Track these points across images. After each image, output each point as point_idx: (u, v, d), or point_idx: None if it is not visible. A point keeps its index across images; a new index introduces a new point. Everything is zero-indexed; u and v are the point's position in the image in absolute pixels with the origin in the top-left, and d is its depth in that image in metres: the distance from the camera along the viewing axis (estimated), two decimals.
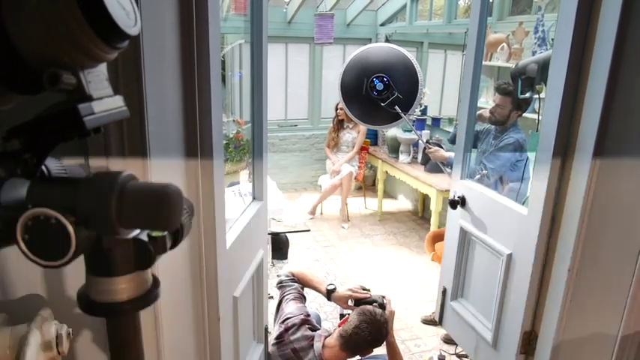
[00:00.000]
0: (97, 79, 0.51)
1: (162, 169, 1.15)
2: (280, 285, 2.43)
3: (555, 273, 1.86)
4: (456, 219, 2.38)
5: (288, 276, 2.48)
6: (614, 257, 1.73)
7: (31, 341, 0.90)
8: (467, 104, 2.31)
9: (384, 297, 2.33)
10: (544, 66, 2.46)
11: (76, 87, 0.48)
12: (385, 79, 3.14)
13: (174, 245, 0.57)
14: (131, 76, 1.00)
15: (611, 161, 1.67)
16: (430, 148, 3.49)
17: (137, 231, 0.53)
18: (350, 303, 2.34)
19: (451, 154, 3.41)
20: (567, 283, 1.80)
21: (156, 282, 0.58)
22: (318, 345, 2.13)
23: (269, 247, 4.11)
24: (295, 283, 2.44)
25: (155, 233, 0.53)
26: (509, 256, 2.03)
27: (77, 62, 0.48)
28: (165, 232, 0.54)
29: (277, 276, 2.50)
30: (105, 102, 0.51)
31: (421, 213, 5.66)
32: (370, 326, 2.08)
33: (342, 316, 2.31)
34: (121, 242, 0.51)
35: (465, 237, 2.35)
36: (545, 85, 2.40)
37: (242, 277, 1.77)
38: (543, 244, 1.88)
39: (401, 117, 3.28)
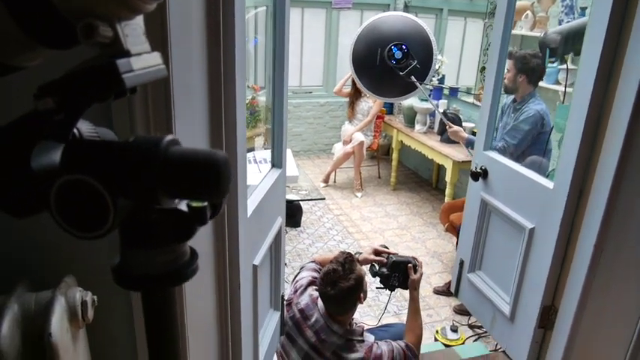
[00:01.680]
0: (135, 32, 0.46)
1: (186, 135, 1.11)
2: (300, 269, 2.41)
3: (580, 249, 1.82)
4: (477, 191, 2.33)
5: (309, 261, 2.46)
6: (639, 237, 1.69)
7: (57, 307, 0.88)
8: (493, 73, 2.23)
9: (415, 258, 2.31)
10: (574, 35, 2.36)
11: (112, 40, 0.43)
12: (404, 47, 3.05)
13: (213, 216, 0.53)
14: (157, 41, 0.95)
15: None
16: (451, 127, 3.41)
17: (176, 201, 0.49)
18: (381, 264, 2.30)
19: (470, 136, 3.35)
20: (591, 259, 1.76)
21: (194, 254, 0.54)
22: (321, 302, 2.10)
23: None
24: (313, 263, 2.41)
25: (195, 204, 0.49)
26: (532, 230, 1.99)
27: (114, 13, 0.43)
28: (205, 203, 0.50)
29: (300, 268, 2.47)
30: (143, 59, 0.46)
31: (435, 184, 5.61)
32: (331, 265, 2.02)
33: (372, 266, 2.28)
34: (161, 213, 0.48)
35: (485, 209, 2.31)
36: (575, 55, 2.31)
37: (261, 246, 1.76)
38: (569, 218, 1.84)
39: (415, 88, 3.21)
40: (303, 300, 2.16)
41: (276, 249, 1.96)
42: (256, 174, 3.16)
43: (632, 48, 1.59)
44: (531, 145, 2.88)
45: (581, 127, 1.73)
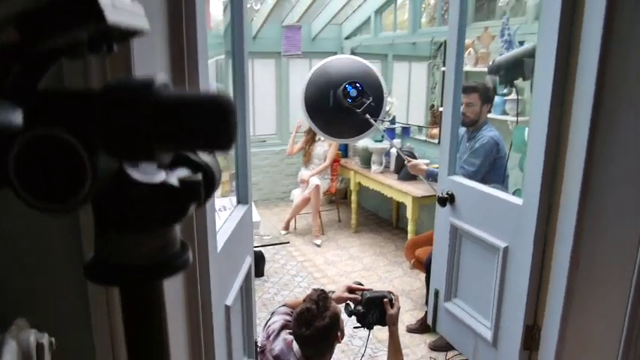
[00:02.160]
0: None
1: None
2: (271, 315, 2.29)
3: (556, 261, 1.81)
4: (446, 217, 2.31)
5: (280, 305, 2.35)
6: (616, 241, 1.69)
7: (6, 353, 0.75)
8: (451, 98, 2.26)
9: (391, 292, 2.23)
10: (519, 61, 2.46)
11: None
12: (358, 85, 3.10)
13: (207, 196, 0.45)
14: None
15: (606, 144, 1.64)
16: (410, 161, 3.45)
17: (162, 175, 0.41)
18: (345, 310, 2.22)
19: (430, 168, 3.39)
20: (569, 270, 1.74)
21: (184, 245, 0.45)
22: (297, 346, 1.98)
23: None
24: (285, 307, 2.30)
25: (187, 177, 0.41)
26: (506, 249, 1.97)
27: None
28: (200, 177, 0.42)
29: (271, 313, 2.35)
30: (122, 1, 0.39)
31: (395, 223, 5.61)
32: (305, 304, 1.92)
33: (347, 305, 2.17)
34: (146, 188, 0.39)
35: (455, 234, 2.28)
36: (524, 79, 2.40)
37: (232, 286, 1.64)
38: (542, 232, 1.83)
39: (369, 127, 3.24)
40: (277, 345, 2.03)
41: (247, 290, 1.85)
42: (216, 221, 3.04)
43: (583, 57, 1.65)
44: (489, 171, 2.93)
45: (544, 139, 1.76)
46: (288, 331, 2.11)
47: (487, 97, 2.97)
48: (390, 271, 4.54)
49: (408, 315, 3.79)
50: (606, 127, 1.62)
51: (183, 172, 0.42)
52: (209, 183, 0.44)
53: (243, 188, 1.87)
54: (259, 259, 4.42)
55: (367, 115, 3.14)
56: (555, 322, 1.81)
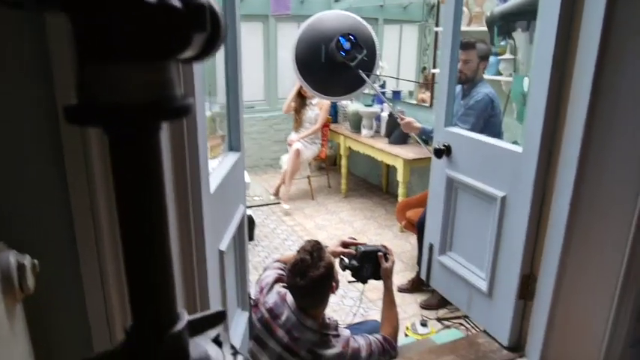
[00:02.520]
0: None
1: None
2: (264, 269, 2.26)
3: (554, 211, 1.79)
4: (442, 169, 2.27)
5: (272, 261, 2.31)
6: (615, 189, 1.67)
7: None
8: (448, 51, 2.20)
9: (385, 246, 2.20)
10: (518, 11, 2.40)
11: None
12: (352, 38, 3.00)
13: (213, 34, 0.38)
14: None
15: (610, 91, 1.60)
16: (403, 119, 3.36)
17: None
18: (340, 265, 2.19)
19: (424, 125, 3.32)
20: (568, 219, 1.73)
21: (186, 94, 0.39)
22: (291, 298, 1.95)
23: None
24: (277, 262, 2.27)
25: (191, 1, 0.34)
26: (504, 198, 1.94)
27: None
28: (205, 1, 0.35)
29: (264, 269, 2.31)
30: None
31: (385, 188, 5.59)
32: (299, 254, 1.90)
33: (341, 260, 2.15)
34: (142, 4, 0.32)
35: (451, 187, 2.25)
36: (522, 30, 2.34)
37: (226, 231, 1.59)
38: (541, 181, 1.80)
39: (362, 83, 3.16)
40: (271, 298, 1.99)
41: (240, 239, 1.80)
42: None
43: (589, 5, 1.59)
44: (483, 128, 2.89)
45: (546, 86, 1.71)
46: (281, 284, 2.07)
47: (484, 54, 2.90)
48: (381, 234, 4.53)
49: (399, 276, 3.79)
50: (611, 73, 1.58)
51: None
52: (214, 19, 0.38)
53: (235, 134, 1.81)
54: (250, 223, 4.38)
55: (360, 71, 3.05)
56: (552, 272, 1.80)
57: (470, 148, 2.13)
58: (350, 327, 2.16)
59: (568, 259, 1.77)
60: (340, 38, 2.93)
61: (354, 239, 2.27)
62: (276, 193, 5.38)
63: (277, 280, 2.07)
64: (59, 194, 0.85)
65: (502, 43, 2.77)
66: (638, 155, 1.58)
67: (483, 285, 2.08)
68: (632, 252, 1.67)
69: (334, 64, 3.05)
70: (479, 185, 2.05)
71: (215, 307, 1.41)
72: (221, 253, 1.48)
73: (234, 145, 1.80)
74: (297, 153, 5.07)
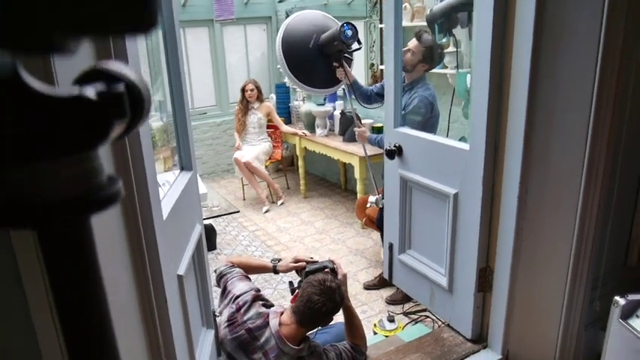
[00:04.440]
0: None
1: None
2: (221, 275, 2.24)
3: (504, 204, 1.85)
4: (394, 170, 2.31)
5: (226, 265, 2.30)
6: (560, 179, 1.74)
7: None
8: (392, 54, 2.23)
9: (332, 261, 2.21)
10: (455, 9, 2.46)
11: None
12: (354, 28, 3.01)
13: (131, 125, 0.37)
14: None
15: (548, 86, 1.67)
16: (360, 126, 3.42)
17: (74, 90, 0.33)
18: (298, 275, 2.21)
19: (370, 135, 3.40)
20: (517, 211, 1.79)
21: (112, 178, 0.37)
22: (274, 322, 1.97)
23: None
24: (236, 268, 2.26)
25: (106, 89, 0.34)
26: (456, 195, 1.99)
27: None
28: (122, 89, 0.35)
29: (214, 271, 2.30)
30: None
31: (344, 185, 5.63)
32: (322, 296, 1.95)
33: (290, 284, 2.16)
34: (56, 102, 0.32)
35: (405, 186, 2.29)
36: (462, 27, 2.40)
37: (183, 254, 1.57)
38: (489, 175, 1.86)
39: (338, 83, 3.21)
40: (251, 319, 1.99)
41: (199, 259, 1.78)
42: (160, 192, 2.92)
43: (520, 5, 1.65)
44: (423, 128, 2.95)
45: (487, 84, 1.77)
46: (261, 302, 2.07)
47: (430, 56, 2.96)
48: (343, 232, 4.57)
49: (363, 273, 3.84)
50: (546, 63, 1.64)
51: (100, 87, 0.35)
52: (135, 100, 0.37)
53: (186, 153, 1.78)
54: (210, 232, 4.33)
55: (343, 60, 3.07)
56: (506, 264, 1.86)
57: (420, 148, 2.17)
58: (318, 332, 2.17)
59: (521, 251, 1.84)
60: (345, 25, 2.93)
61: (310, 258, 2.29)
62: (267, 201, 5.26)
63: (255, 299, 2.07)
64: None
65: (444, 40, 2.82)
66: (580, 144, 1.65)
67: (443, 281, 2.13)
68: (579, 238, 1.75)
69: (319, 54, 3.07)
70: (431, 184, 2.10)
71: (179, 335, 1.40)
72: (180, 277, 1.46)
73: (185, 164, 1.77)
74: (248, 165, 5.04)
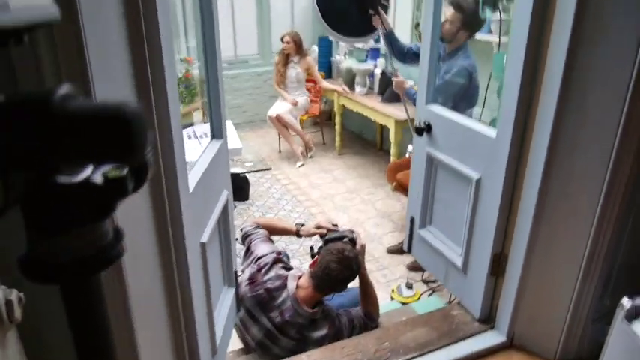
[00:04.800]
0: None
1: None
2: (246, 235, 2.36)
3: (525, 195, 1.85)
4: (422, 146, 2.32)
5: (252, 226, 2.41)
6: (583, 173, 1.73)
7: None
8: (430, 21, 2.19)
9: (352, 231, 2.30)
10: None
11: None
12: None
13: (137, 187, 0.45)
14: None
15: (580, 81, 1.63)
16: (397, 76, 3.33)
17: (87, 172, 0.41)
18: (318, 240, 2.30)
19: (410, 88, 3.30)
20: (537, 204, 1.80)
21: (118, 234, 0.46)
22: (291, 285, 2.09)
23: None
24: (260, 229, 2.38)
25: (112, 173, 0.41)
26: (479, 180, 2.01)
27: None
28: (125, 172, 0.42)
29: (240, 230, 2.42)
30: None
31: (380, 145, 5.63)
32: (340, 264, 2.05)
33: (311, 248, 2.26)
34: (67, 187, 0.40)
35: (432, 164, 2.31)
36: (508, 1, 2.31)
37: (208, 222, 1.67)
38: (513, 165, 1.86)
39: (369, 33, 3.14)
40: (271, 280, 2.12)
41: (224, 224, 1.89)
42: (197, 149, 3.03)
43: None
44: (461, 99, 2.90)
45: (519, 72, 1.73)
46: (281, 265, 2.19)
47: (470, 23, 2.85)
48: (373, 194, 4.63)
49: (388, 236, 3.93)
50: (583, 57, 1.60)
51: (107, 170, 0.42)
52: (139, 173, 0.44)
53: (217, 122, 1.85)
54: (244, 184, 4.48)
55: (379, 8, 3.01)
56: (521, 252, 1.89)
57: (449, 129, 2.17)
58: (334, 295, 2.29)
59: (536, 241, 1.86)
60: None
61: (334, 225, 2.37)
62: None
63: (276, 261, 2.19)
64: None
65: (487, 15, 2.72)
66: (606, 140, 1.63)
67: (459, 260, 2.18)
68: (596, 235, 1.75)
69: (351, 6, 3.01)
70: (456, 166, 2.11)
71: (198, 296, 1.52)
72: (203, 245, 1.57)
73: (216, 133, 1.85)
74: (279, 118, 5.10)
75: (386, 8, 3.15)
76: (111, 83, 1.01)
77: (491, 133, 1.94)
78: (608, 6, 1.52)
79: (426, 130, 2.26)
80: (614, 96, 1.58)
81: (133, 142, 0.35)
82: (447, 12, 2.88)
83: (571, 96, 1.65)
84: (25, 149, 0.34)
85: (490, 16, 3.18)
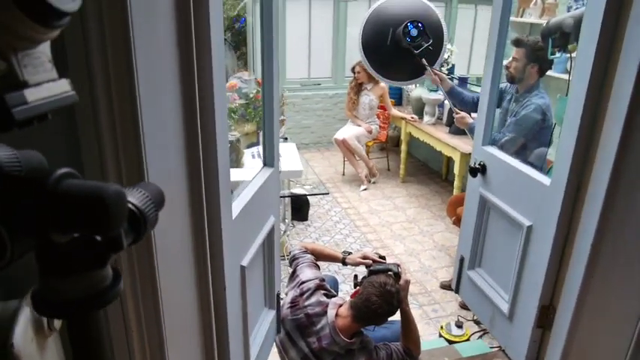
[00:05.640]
0: (37, 62, 0.45)
1: (156, 145, 1.10)
2: (293, 258, 2.42)
3: (577, 248, 1.78)
4: (476, 187, 2.29)
5: (300, 249, 2.47)
6: (638, 234, 1.64)
7: (21, 318, 0.89)
8: (491, 63, 2.18)
9: (398, 265, 2.29)
10: (579, 23, 2.29)
11: (7, 72, 0.42)
12: (420, 25, 2.97)
13: (135, 240, 0.52)
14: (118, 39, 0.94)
15: None
16: (458, 113, 3.32)
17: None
18: (363, 271, 2.32)
19: (474, 122, 3.26)
20: (589, 259, 1.72)
21: (116, 277, 0.53)
22: (331, 313, 2.12)
23: (288, 209, 4.11)
24: (308, 254, 2.43)
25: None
26: (530, 227, 1.95)
27: (7, 45, 0.42)
28: (121, 231, 0.49)
29: (289, 253, 2.48)
30: (45, 88, 0.45)
31: (445, 176, 5.55)
32: (380, 299, 2.04)
33: (355, 277, 2.28)
34: (72, 241, 0.47)
35: (484, 206, 2.27)
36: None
37: (251, 246, 1.75)
38: (566, 216, 1.80)
39: (422, 73, 3.14)
40: (312, 306, 2.16)
41: (268, 248, 1.96)
42: (258, 169, 3.16)
43: (630, 35, 1.53)
44: (533, 139, 2.81)
45: (578, 120, 1.68)
46: (323, 292, 2.23)
47: (535, 56, 2.77)
48: (432, 225, 4.56)
49: (443, 271, 3.85)
50: None
51: None
52: (139, 223, 0.51)
53: (270, 151, 1.94)
54: (304, 204, 4.58)
55: (423, 60, 3.03)
56: (570, 307, 1.80)
57: (503, 171, 2.13)
58: (377, 326, 2.29)
59: (586, 298, 1.77)
60: (408, 24, 2.90)
61: (382, 257, 2.37)
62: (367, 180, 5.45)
63: (318, 287, 2.23)
64: None
65: (557, 55, 2.64)
66: None
67: (505, 307, 2.11)
68: None
69: (399, 49, 3.03)
70: (508, 210, 2.07)
71: (234, 317, 1.59)
72: (242, 268, 1.65)
73: (268, 160, 1.93)
74: (345, 143, 5.16)
75: (437, 55, 3.11)
76: (160, 128, 1.11)
77: (546, 180, 1.88)
78: None
79: (480, 171, 2.23)
80: None
81: (108, 220, 0.42)
82: (514, 52, 2.84)
83: (631, 148, 1.57)
84: (25, 218, 0.41)
85: (562, 56, 3.08)
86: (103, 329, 0.56)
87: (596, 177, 1.68)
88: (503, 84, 3.00)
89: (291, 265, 2.44)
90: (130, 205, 0.51)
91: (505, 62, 2.77)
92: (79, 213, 0.42)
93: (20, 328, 0.88)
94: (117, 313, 1.12)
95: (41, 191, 0.41)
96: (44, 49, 0.47)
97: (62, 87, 0.47)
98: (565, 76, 3.47)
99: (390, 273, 2.21)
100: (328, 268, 3.53)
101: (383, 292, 2.07)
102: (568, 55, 2.47)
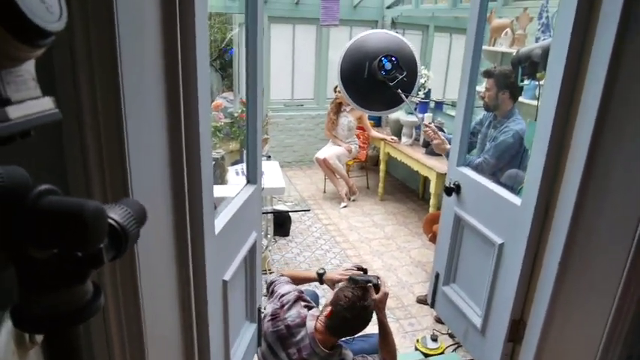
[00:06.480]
0: (20, 79, 0.47)
1: (142, 160, 1.15)
2: (270, 283, 2.45)
3: (546, 264, 1.86)
4: (451, 205, 2.38)
5: (276, 275, 2.51)
6: (604, 253, 1.73)
7: (2, 331, 0.90)
8: (465, 87, 2.28)
9: (378, 277, 2.33)
10: (546, 53, 2.42)
11: None
12: (394, 59, 3.08)
13: (117, 256, 0.54)
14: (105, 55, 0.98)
15: (608, 156, 1.65)
16: (436, 139, 3.44)
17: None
18: (342, 284, 2.36)
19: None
20: (557, 276, 1.80)
21: (97, 292, 0.56)
22: (310, 324, 2.15)
23: (270, 225, 4.14)
24: (283, 277, 2.46)
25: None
26: (502, 245, 2.03)
27: None
28: (102, 245, 0.51)
29: (265, 281, 2.51)
30: (28, 105, 0.47)
31: (422, 194, 5.66)
32: (351, 313, 2.09)
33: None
34: (48, 257, 0.49)
35: (458, 224, 2.35)
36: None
37: (233, 261, 1.79)
38: (535, 235, 1.88)
39: (401, 102, 3.26)
40: (291, 317, 2.19)
41: (250, 263, 2.00)
42: (241, 186, 3.20)
43: (593, 65, 1.63)
44: (511, 162, 2.93)
45: (547, 143, 1.78)
46: (303, 303, 2.27)
47: (504, 83, 2.92)
48: (410, 242, 4.64)
49: (420, 286, 3.92)
50: (611, 133, 1.63)
51: None
52: (121, 239, 0.54)
53: (253, 168, 1.99)
54: (286, 220, 4.62)
55: (399, 90, 3.14)
56: (539, 321, 1.88)
57: (476, 191, 2.22)
58: (355, 339, 2.33)
59: (555, 314, 1.85)
60: (383, 58, 3.02)
61: (360, 269, 2.42)
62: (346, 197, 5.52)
63: (298, 299, 2.27)
64: None
65: (526, 82, 2.77)
66: (631, 217, 1.63)
67: (478, 322, 2.18)
68: (616, 316, 1.73)
69: (375, 81, 3.15)
70: (481, 228, 2.15)
71: (215, 331, 1.63)
72: (225, 282, 1.69)
73: (251, 178, 1.98)
74: (325, 162, 5.25)
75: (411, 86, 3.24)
76: (144, 148, 1.16)
77: (517, 200, 1.97)
78: (636, 89, 1.56)
79: (455, 190, 2.32)
80: (638, 175, 1.60)
81: (87, 236, 0.45)
82: (484, 84, 3.00)
83: (596, 172, 1.67)
84: (3, 234, 0.45)
85: (531, 83, 3.23)
86: (82, 343, 0.57)
87: (564, 198, 1.77)
88: (484, 112, 3.16)
89: (268, 291, 2.46)
90: (111, 221, 0.53)
91: (479, 90, 2.91)
92: (58, 229, 0.45)
93: (2, 341, 0.90)
94: (99, 327, 1.15)
95: (20, 207, 0.44)
96: (28, 67, 0.49)
97: (45, 105, 0.50)
98: (534, 102, 3.61)
99: (369, 285, 2.27)
100: (309, 284, 3.56)
101: (355, 307, 2.11)
102: (537, 82, 2.60)
